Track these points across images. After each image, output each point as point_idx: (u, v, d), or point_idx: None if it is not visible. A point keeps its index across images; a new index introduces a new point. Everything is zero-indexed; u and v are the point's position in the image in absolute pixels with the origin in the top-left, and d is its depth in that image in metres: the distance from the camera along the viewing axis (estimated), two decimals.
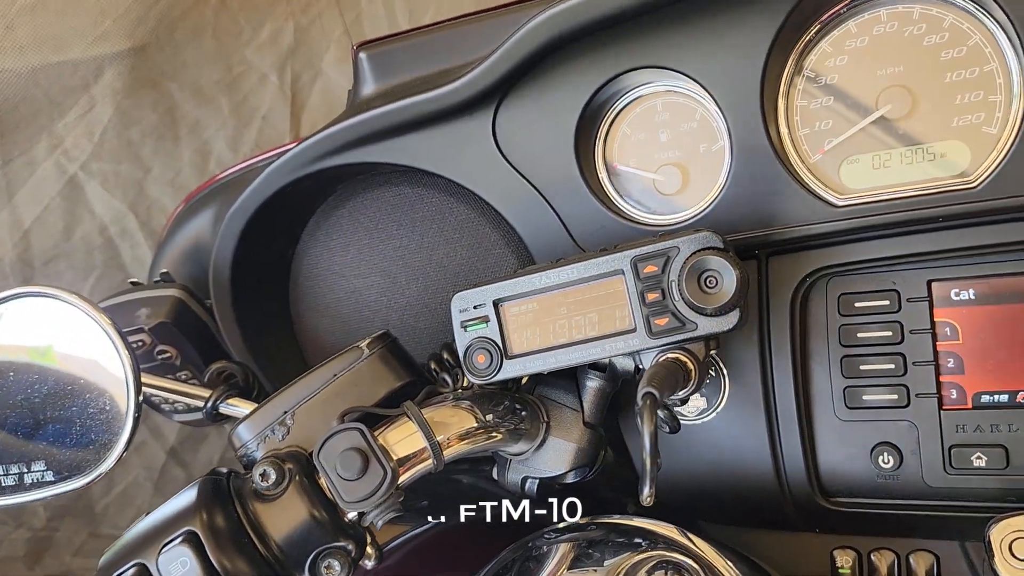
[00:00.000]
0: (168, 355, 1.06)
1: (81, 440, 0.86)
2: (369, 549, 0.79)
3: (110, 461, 0.86)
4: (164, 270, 1.10)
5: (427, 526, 1.16)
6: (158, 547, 0.68)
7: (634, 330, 0.77)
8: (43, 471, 0.87)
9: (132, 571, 0.68)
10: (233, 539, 0.69)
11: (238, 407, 0.91)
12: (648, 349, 0.77)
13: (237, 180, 1.14)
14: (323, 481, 0.72)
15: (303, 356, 1.10)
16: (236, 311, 1.06)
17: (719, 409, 0.90)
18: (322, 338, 1.09)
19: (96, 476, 0.86)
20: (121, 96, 1.41)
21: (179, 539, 0.68)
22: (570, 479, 0.86)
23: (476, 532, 1.14)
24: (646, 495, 0.66)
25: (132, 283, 1.10)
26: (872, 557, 0.90)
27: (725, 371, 0.90)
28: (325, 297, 1.09)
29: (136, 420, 0.85)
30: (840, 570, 0.90)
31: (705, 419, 0.91)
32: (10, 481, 0.88)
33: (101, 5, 1.30)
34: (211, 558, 0.67)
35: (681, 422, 0.91)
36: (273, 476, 0.72)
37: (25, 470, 0.87)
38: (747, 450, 0.90)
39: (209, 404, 0.91)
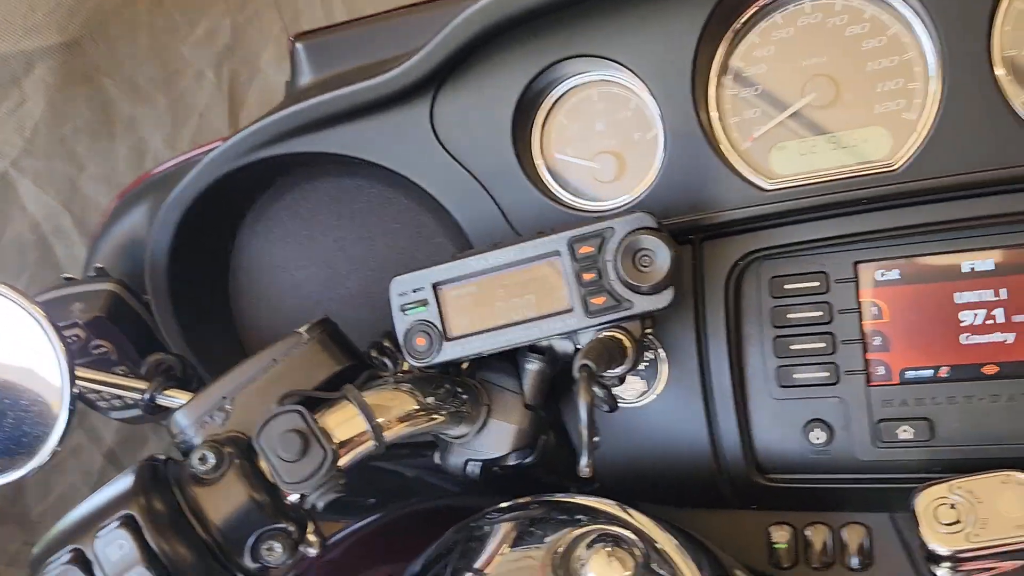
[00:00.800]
0: (104, 350, 1.04)
1: (14, 434, 0.84)
2: (311, 536, 0.79)
3: (44, 455, 0.84)
4: (99, 265, 1.08)
5: (371, 518, 1.16)
6: (94, 531, 0.67)
7: (571, 310, 0.79)
8: None
9: (68, 557, 0.67)
10: (172, 522, 0.68)
11: (176, 398, 0.90)
12: (585, 328, 0.79)
13: (172, 175, 1.13)
14: (263, 464, 0.72)
15: (243, 348, 1.10)
16: (174, 303, 1.05)
17: (658, 391, 0.93)
18: (262, 330, 1.09)
19: (29, 470, 0.84)
20: (53, 91, 1.39)
21: (116, 522, 0.67)
22: (512, 461, 0.87)
23: (420, 522, 1.15)
24: (584, 465, 0.68)
25: (66, 278, 1.08)
26: (807, 532, 0.92)
27: (663, 354, 0.92)
28: (265, 289, 1.08)
29: (71, 413, 0.83)
30: (776, 545, 0.93)
31: (645, 401, 0.93)
32: None
33: None
34: (149, 541, 0.66)
35: (621, 405, 0.93)
36: (212, 460, 0.71)
37: None
38: (685, 430, 0.92)
39: (147, 396, 0.89)
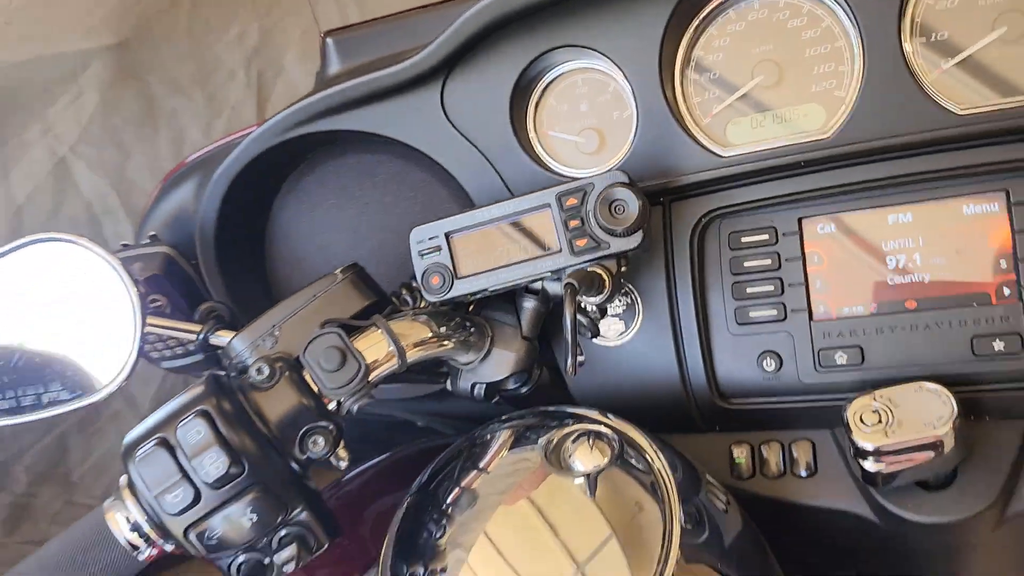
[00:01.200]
0: (159, 303, 1.19)
1: (93, 364, 1.00)
2: (341, 452, 0.93)
3: (118, 381, 0.98)
4: (153, 233, 1.24)
5: (382, 456, 1.31)
6: (175, 424, 0.80)
7: (560, 251, 0.94)
8: (59, 391, 1.00)
9: (154, 442, 0.80)
10: (238, 419, 0.82)
11: (225, 338, 1.05)
12: (571, 266, 0.94)
13: (212, 157, 1.28)
14: (308, 375, 0.87)
15: (275, 301, 1.25)
16: (219, 263, 1.21)
17: (635, 331, 1.07)
18: (292, 286, 1.23)
19: (106, 393, 0.99)
20: (106, 86, 1.55)
21: (193, 415, 0.80)
22: (511, 384, 1.02)
23: (427, 459, 1.30)
24: (568, 366, 0.84)
25: (123, 245, 1.24)
26: (762, 449, 1.05)
27: (639, 299, 1.07)
28: (296, 251, 1.24)
29: (141, 348, 0.98)
30: (736, 460, 1.05)
31: (624, 340, 1.08)
32: (29, 401, 1.00)
33: (88, 3, 1.44)
34: (221, 430, 0.80)
35: (604, 344, 1.08)
36: (267, 371, 0.86)
37: (43, 391, 1.00)
38: (658, 364, 1.06)
39: (201, 336, 1.04)
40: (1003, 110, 0.91)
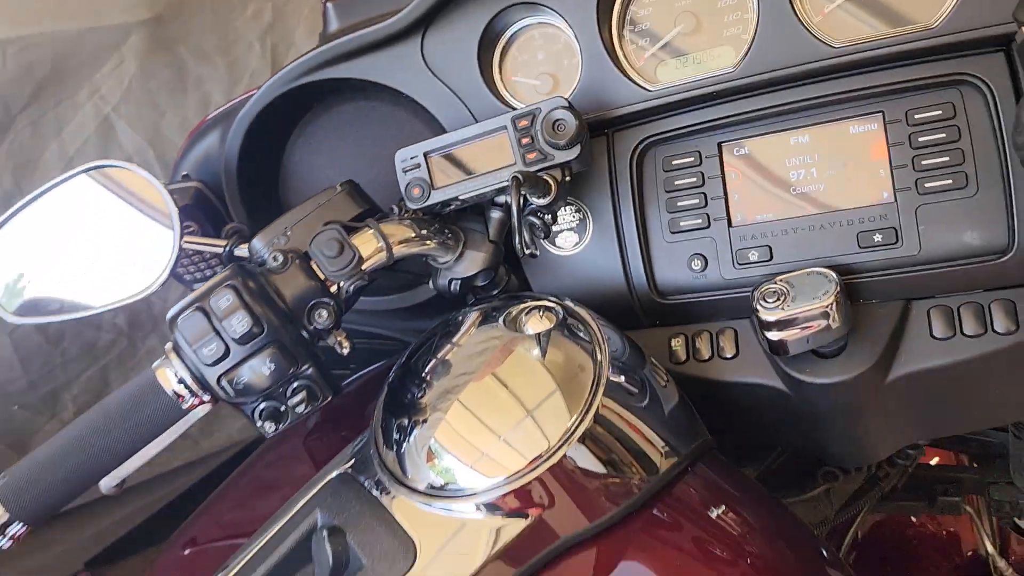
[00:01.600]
0: (191, 228, 1.41)
1: (140, 268, 1.21)
2: (344, 341, 1.14)
3: (160, 281, 1.20)
4: (185, 173, 1.47)
5: (376, 365, 1.52)
6: (209, 295, 1.01)
7: (515, 163, 1.15)
8: (113, 291, 1.22)
9: (192, 308, 1.01)
10: (259, 294, 1.02)
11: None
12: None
13: (233, 110, 1.48)
14: (314, 263, 1.08)
15: None
16: (241, 196, 1.43)
17: (586, 242, 1.27)
18: None
19: (150, 291, 1.21)
20: (143, 55, 1.78)
21: (223, 286, 1.01)
22: (480, 281, 1.24)
23: None
24: (516, 245, 1.05)
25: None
26: (695, 339, 1.21)
27: (590, 215, 1.27)
28: (306, 185, 1.46)
29: (178, 257, 1.20)
30: (674, 348, 1.24)
31: (578, 250, 1.28)
32: None
33: None
34: (246, 299, 1.00)
35: (561, 254, 1.29)
36: (281, 259, 1.07)
37: (99, 291, 1.23)
38: (606, 269, 1.26)
39: (227, 249, 1.25)
40: (872, 41, 1.11)
